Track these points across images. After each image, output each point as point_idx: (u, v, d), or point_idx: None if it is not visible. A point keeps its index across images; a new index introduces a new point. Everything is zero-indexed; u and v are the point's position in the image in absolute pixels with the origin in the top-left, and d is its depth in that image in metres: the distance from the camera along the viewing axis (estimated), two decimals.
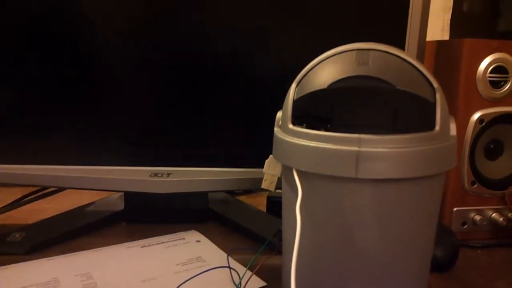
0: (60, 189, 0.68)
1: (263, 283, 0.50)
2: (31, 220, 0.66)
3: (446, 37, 1.10)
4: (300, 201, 0.37)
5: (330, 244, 0.38)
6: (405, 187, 0.36)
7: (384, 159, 0.35)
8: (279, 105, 0.44)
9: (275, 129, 0.43)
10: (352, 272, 0.38)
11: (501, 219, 0.63)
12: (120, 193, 0.74)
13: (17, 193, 0.71)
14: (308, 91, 0.39)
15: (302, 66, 0.42)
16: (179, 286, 0.45)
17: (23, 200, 0.66)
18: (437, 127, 0.37)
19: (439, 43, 0.66)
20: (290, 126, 0.40)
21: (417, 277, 0.41)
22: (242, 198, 0.80)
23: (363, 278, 0.38)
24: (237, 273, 0.49)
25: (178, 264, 0.53)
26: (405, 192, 0.37)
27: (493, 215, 0.64)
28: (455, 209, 0.63)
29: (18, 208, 0.66)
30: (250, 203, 0.76)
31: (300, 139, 0.38)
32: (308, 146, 0.37)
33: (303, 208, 0.38)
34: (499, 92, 0.61)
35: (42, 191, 0.68)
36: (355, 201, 0.37)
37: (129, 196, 0.66)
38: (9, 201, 0.65)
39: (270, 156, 0.44)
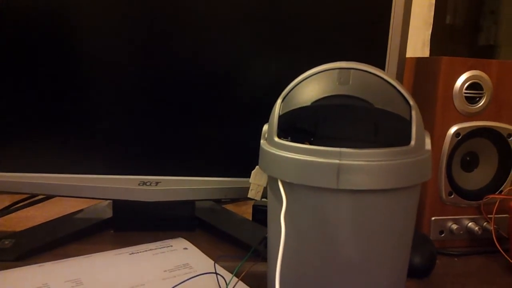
0: (49, 197, 0.70)
1: None
2: (19, 228, 0.67)
3: (426, 52, 1.14)
4: (284, 210, 0.39)
5: (312, 252, 0.41)
6: (382, 198, 0.39)
7: (363, 171, 0.37)
8: (265, 119, 0.46)
9: (261, 141, 0.45)
10: (333, 278, 0.41)
11: (476, 228, 0.66)
12: (108, 201, 0.75)
13: (4, 201, 0.73)
14: (293, 107, 0.41)
15: (286, 84, 0.45)
16: None
17: (12, 208, 0.67)
18: (413, 142, 0.40)
19: (418, 60, 0.69)
20: (276, 139, 0.42)
21: (395, 283, 0.43)
22: (229, 206, 0.82)
23: (344, 284, 0.41)
24: (224, 279, 0.51)
25: (165, 271, 0.55)
26: (383, 202, 0.39)
27: (469, 224, 0.67)
28: (433, 218, 0.66)
29: (6, 216, 0.67)
30: (236, 211, 0.78)
31: (285, 152, 0.40)
32: (292, 158, 0.39)
33: (287, 217, 0.40)
34: (475, 107, 0.64)
35: (30, 199, 0.69)
36: (336, 210, 0.39)
37: (117, 204, 0.68)
38: None
39: (257, 167, 0.46)
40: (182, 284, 0.49)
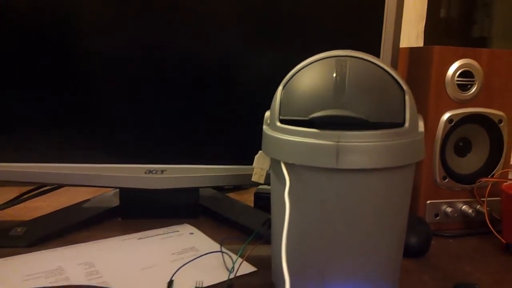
0: (57, 187, 0.72)
1: (254, 269, 0.54)
2: (28, 217, 0.70)
3: (420, 44, 1.17)
4: (288, 189, 0.41)
5: (314, 229, 0.43)
6: (379, 177, 0.41)
7: (360, 152, 0.40)
8: (264, 108, 0.49)
9: (264, 127, 0.47)
10: (333, 254, 0.43)
11: (470, 210, 0.69)
12: (115, 190, 0.78)
13: (13, 192, 0.75)
14: (292, 95, 0.44)
15: (283, 73, 0.47)
16: (176, 271, 0.50)
17: (22, 197, 0.69)
18: (407, 124, 0.42)
19: (412, 49, 0.71)
20: (278, 123, 0.44)
21: (392, 261, 0.46)
22: (231, 195, 0.85)
23: (344, 260, 0.43)
24: (230, 257, 0.54)
25: (173, 254, 0.58)
26: (380, 181, 0.42)
27: (463, 207, 0.70)
28: (428, 201, 0.69)
29: (16, 206, 0.70)
30: (238, 199, 0.80)
31: (287, 135, 0.43)
32: (294, 141, 0.42)
33: (290, 197, 0.43)
34: (466, 94, 0.67)
35: (39, 189, 0.71)
36: (335, 189, 0.42)
37: (124, 193, 0.70)
38: (6, 200, 0.68)
39: (259, 151, 0.49)
40: (190, 263, 0.52)
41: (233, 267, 0.52)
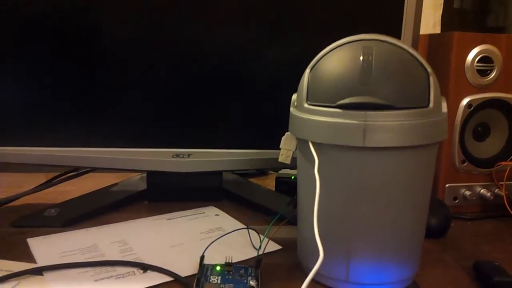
0: (88, 171, 0.75)
1: (279, 247, 0.57)
2: (58, 200, 0.72)
3: (437, 32, 1.18)
4: (317, 166, 0.43)
5: (340, 207, 0.45)
6: (404, 155, 0.43)
7: (387, 131, 0.42)
8: (285, 94, 0.51)
9: (291, 109, 0.49)
10: (359, 232, 0.45)
11: (488, 194, 0.70)
12: (141, 175, 0.80)
13: (40, 178, 0.78)
14: (319, 79, 0.46)
15: (307, 58, 0.49)
16: (207, 246, 0.52)
17: (54, 181, 0.72)
18: (431, 105, 0.44)
19: (431, 36, 0.73)
20: (306, 105, 0.46)
21: (414, 239, 0.47)
22: (252, 180, 0.87)
23: (369, 238, 0.45)
24: (258, 234, 0.56)
25: (201, 233, 0.60)
26: (405, 159, 0.43)
27: (482, 191, 0.71)
28: (447, 185, 0.70)
29: (45, 190, 0.72)
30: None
31: (315, 116, 0.45)
32: (322, 121, 0.44)
33: (319, 175, 0.45)
34: (486, 79, 0.68)
35: (67, 174, 0.74)
36: (362, 167, 0.43)
37: (151, 176, 0.73)
38: (34, 185, 0.71)
39: (286, 133, 0.51)
40: (218, 241, 0.54)
41: (260, 245, 0.54)
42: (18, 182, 0.84)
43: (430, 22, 1.14)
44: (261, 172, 0.92)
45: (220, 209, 0.70)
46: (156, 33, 0.65)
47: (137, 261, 0.52)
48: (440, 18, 1.16)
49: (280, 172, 0.81)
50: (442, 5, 1.15)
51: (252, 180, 0.87)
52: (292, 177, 0.78)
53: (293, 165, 0.53)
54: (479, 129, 0.71)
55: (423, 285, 0.49)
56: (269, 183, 0.85)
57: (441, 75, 0.69)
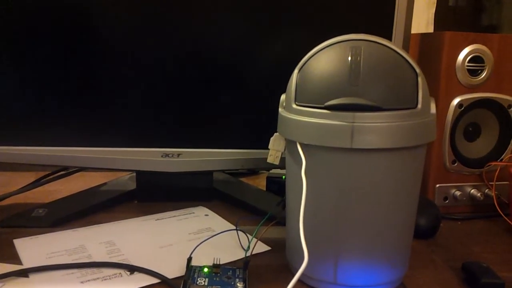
0: (76, 170, 0.74)
1: (268, 248, 0.56)
2: (47, 200, 0.72)
3: (430, 30, 1.17)
4: (305, 167, 0.43)
5: (328, 208, 0.45)
6: (392, 156, 0.43)
7: (374, 132, 0.42)
8: (276, 94, 0.50)
9: (280, 109, 0.49)
10: (347, 233, 0.45)
11: (479, 194, 0.70)
12: (130, 174, 0.80)
13: (29, 177, 0.77)
14: (308, 80, 0.45)
15: (296, 58, 0.49)
16: (195, 248, 0.52)
17: (42, 180, 0.71)
18: (419, 106, 0.44)
19: (423, 35, 0.72)
20: (294, 105, 0.46)
21: (402, 240, 0.47)
22: (243, 179, 0.87)
23: (357, 239, 0.45)
24: (246, 235, 0.56)
25: (190, 233, 0.60)
26: (393, 160, 0.43)
27: (472, 191, 0.71)
28: (437, 185, 0.70)
29: (34, 190, 0.72)
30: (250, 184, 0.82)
31: (303, 117, 0.44)
32: (310, 122, 0.43)
33: (306, 176, 0.44)
34: (477, 79, 0.68)
35: (56, 173, 0.73)
36: (349, 168, 0.43)
37: (140, 176, 0.72)
38: (22, 185, 0.70)
39: (275, 134, 0.50)
40: (207, 242, 0.54)
41: (248, 246, 0.54)
42: (6, 181, 0.84)
43: (423, 20, 1.13)
44: (253, 172, 0.91)
45: (210, 209, 0.70)
46: (146, 34, 0.65)
47: (125, 262, 0.51)
48: (433, 16, 1.15)
49: (271, 171, 0.81)
50: (435, 3, 1.14)
51: (244, 179, 0.87)
52: (283, 177, 0.78)
53: (282, 166, 0.52)
54: (470, 129, 0.71)
55: (412, 287, 0.49)
56: (260, 182, 0.85)
57: (432, 74, 0.68)
